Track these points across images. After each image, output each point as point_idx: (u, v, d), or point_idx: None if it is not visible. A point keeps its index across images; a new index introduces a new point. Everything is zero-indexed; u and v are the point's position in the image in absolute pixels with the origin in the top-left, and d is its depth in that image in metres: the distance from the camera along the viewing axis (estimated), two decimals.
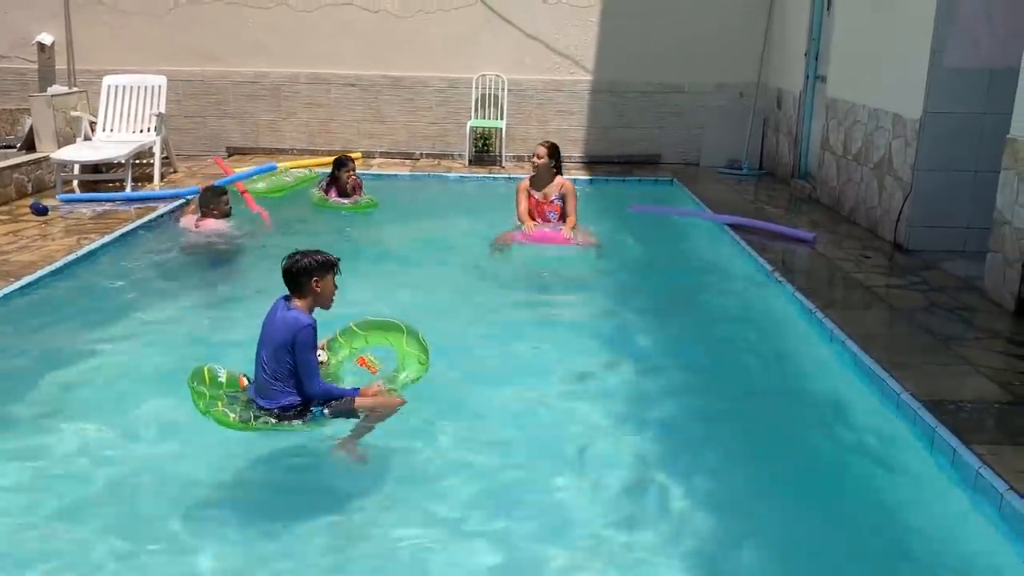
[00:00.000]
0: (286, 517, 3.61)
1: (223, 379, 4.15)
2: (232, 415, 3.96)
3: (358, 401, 4.08)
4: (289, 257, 4.09)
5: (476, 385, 4.77)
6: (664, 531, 3.58)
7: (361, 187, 8.78)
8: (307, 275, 4.03)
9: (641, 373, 5.08)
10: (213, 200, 7.57)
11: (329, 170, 8.93)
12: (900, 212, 7.31)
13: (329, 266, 4.11)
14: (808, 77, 10.01)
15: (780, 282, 6.37)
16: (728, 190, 10.12)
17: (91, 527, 3.52)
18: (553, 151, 7.45)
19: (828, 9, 9.55)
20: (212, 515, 3.65)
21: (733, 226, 8.04)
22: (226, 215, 7.62)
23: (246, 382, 4.19)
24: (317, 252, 4.14)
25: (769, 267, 6.71)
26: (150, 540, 3.45)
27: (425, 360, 4.37)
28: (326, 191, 8.74)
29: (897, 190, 7.42)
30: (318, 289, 4.06)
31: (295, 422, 4.02)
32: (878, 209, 7.81)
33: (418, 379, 4.29)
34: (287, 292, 4.08)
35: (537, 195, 7.45)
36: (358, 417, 4.09)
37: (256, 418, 3.98)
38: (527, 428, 4.40)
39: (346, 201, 8.63)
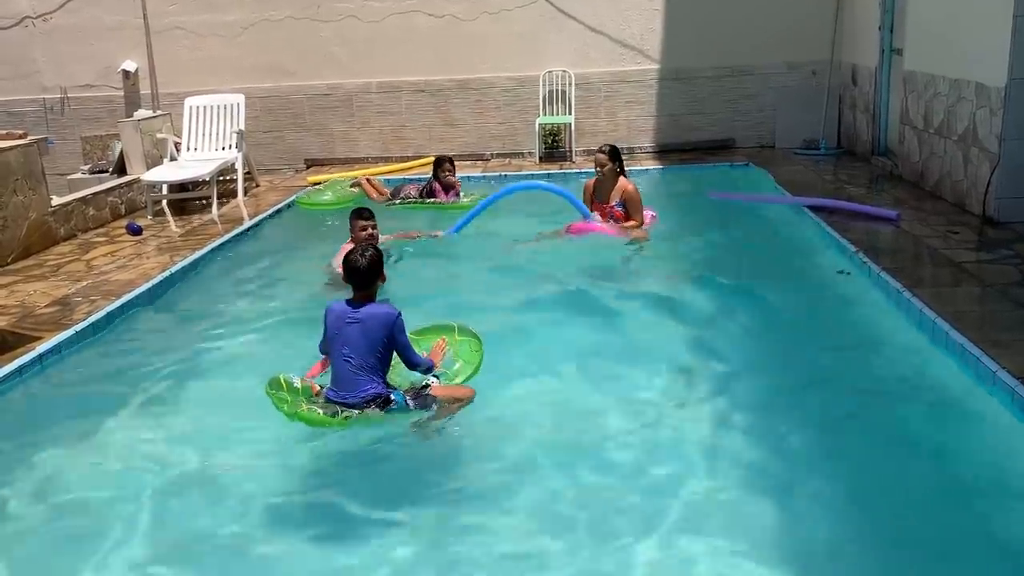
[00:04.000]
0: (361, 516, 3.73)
1: (298, 386, 4.39)
2: (321, 411, 4.20)
3: (436, 391, 4.37)
4: (360, 256, 4.39)
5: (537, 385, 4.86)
6: (759, 519, 3.57)
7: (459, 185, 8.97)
8: (380, 268, 4.45)
9: (722, 361, 5.04)
10: (351, 223, 6.71)
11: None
12: (988, 184, 7.07)
13: (383, 256, 4.55)
14: (883, 51, 9.75)
15: (865, 263, 6.24)
16: (806, 171, 9.93)
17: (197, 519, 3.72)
18: (614, 154, 7.44)
19: None
20: (289, 519, 3.79)
21: (813, 208, 7.89)
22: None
23: (319, 388, 4.41)
24: (371, 247, 4.51)
25: (853, 248, 6.58)
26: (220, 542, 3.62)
27: (479, 348, 4.80)
28: (430, 195, 8.84)
29: (984, 162, 7.18)
30: (383, 281, 4.50)
31: (377, 411, 4.23)
32: (964, 182, 7.57)
33: (477, 366, 4.68)
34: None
35: (601, 200, 7.49)
36: (437, 405, 4.34)
37: (335, 414, 4.21)
38: (598, 426, 4.42)
39: (465, 200, 8.73)
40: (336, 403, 4.26)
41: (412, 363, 4.42)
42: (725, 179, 9.85)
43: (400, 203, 9.03)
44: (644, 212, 7.64)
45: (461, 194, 8.93)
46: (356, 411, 4.21)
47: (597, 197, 7.53)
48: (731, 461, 3.99)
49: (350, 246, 6.38)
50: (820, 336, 5.36)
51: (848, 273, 6.35)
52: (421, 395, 4.35)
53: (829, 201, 8.05)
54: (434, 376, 4.52)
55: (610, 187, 7.44)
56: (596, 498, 3.76)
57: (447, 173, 8.84)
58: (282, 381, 4.38)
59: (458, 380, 4.62)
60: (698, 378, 4.86)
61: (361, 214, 6.76)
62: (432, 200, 8.86)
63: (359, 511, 3.74)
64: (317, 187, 10.03)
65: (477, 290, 6.51)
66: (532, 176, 10.59)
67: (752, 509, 3.62)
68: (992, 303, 5.40)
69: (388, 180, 10.04)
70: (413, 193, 9.09)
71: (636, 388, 4.76)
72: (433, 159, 9.27)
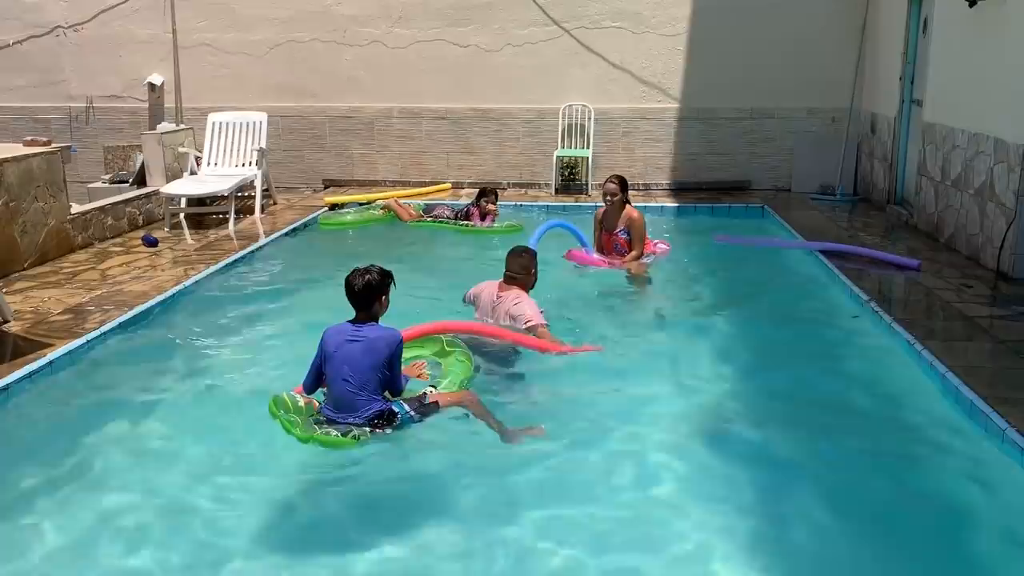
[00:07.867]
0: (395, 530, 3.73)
1: (302, 404, 4.36)
2: (335, 433, 4.13)
3: (439, 400, 4.44)
4: (358, 276, 4.35)
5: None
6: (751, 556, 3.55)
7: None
8: (379, 291, 4.38)
9: (728, 402, 5.03)
10: (515, 262, 5.60)
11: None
12: (1004, 239, 7.07)
13: (390, 280, 4.48)
14: (903, 102, 9.79)
15: (876, 312, 6.23)
16: (821, 216, 9.94)
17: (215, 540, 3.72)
18: (623, 184, 7.58)
19: (924, 31, 9.34)
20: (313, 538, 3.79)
21: (828, 253, 7.88)
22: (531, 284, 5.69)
23: (318, 405, 4.41)
24: (375, 269, 4.44)
25: (865, 296, 6.57)
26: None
27: (468, 361, 4.91)
28: (466, 217, 9.17)
29: (1000, 217, 7.18)
30: (385, 304, 4.46)
31: (387, 430, 4.23)
32: (980, 236, 7.56)
33: (466, 378, 4.81)
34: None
35: (607, 229, 7.62)
36: (437, 413, 4.41)
37: (346, 433, 4.14)
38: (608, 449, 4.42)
39: (497, 226, 9.06)
40: (338, 422, 4.22)
41: (398, 389, 4.46)
42: (739, 224, 9.87)
43: (432, 220, 9.41)
44: (657, 244, 7.86)
45: (496, 222, 9.19)
46: (368, 429, 4.18)
47: (605, 226, 7.63)
48: (720, 507, 3.96)
49: (492, 284, 5.72)
50: (826, 386, 5.30)
51: (856, 316, 6.35)
52: (423, 404, 4.37)
53: (851, 247, 8.04)
54: (430, 387, 4.56)
55: (617, 216, 7.55)
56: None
57: (488, 203, 9.16)
58: (286, 399, 4.35)
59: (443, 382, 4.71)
60: (698, 420, 4.84)
61: (524, 251, 5.69)
62: (466, 223, 9.13)
63: (364, 529, 3.74)
64: (342, 211, 10.15)
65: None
66: (548, 207, 10.67)
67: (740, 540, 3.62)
68: (1004, 360, 5.37)
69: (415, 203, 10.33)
70: (447, 213, 9.43)
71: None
72: (449, 183, 9.49)
